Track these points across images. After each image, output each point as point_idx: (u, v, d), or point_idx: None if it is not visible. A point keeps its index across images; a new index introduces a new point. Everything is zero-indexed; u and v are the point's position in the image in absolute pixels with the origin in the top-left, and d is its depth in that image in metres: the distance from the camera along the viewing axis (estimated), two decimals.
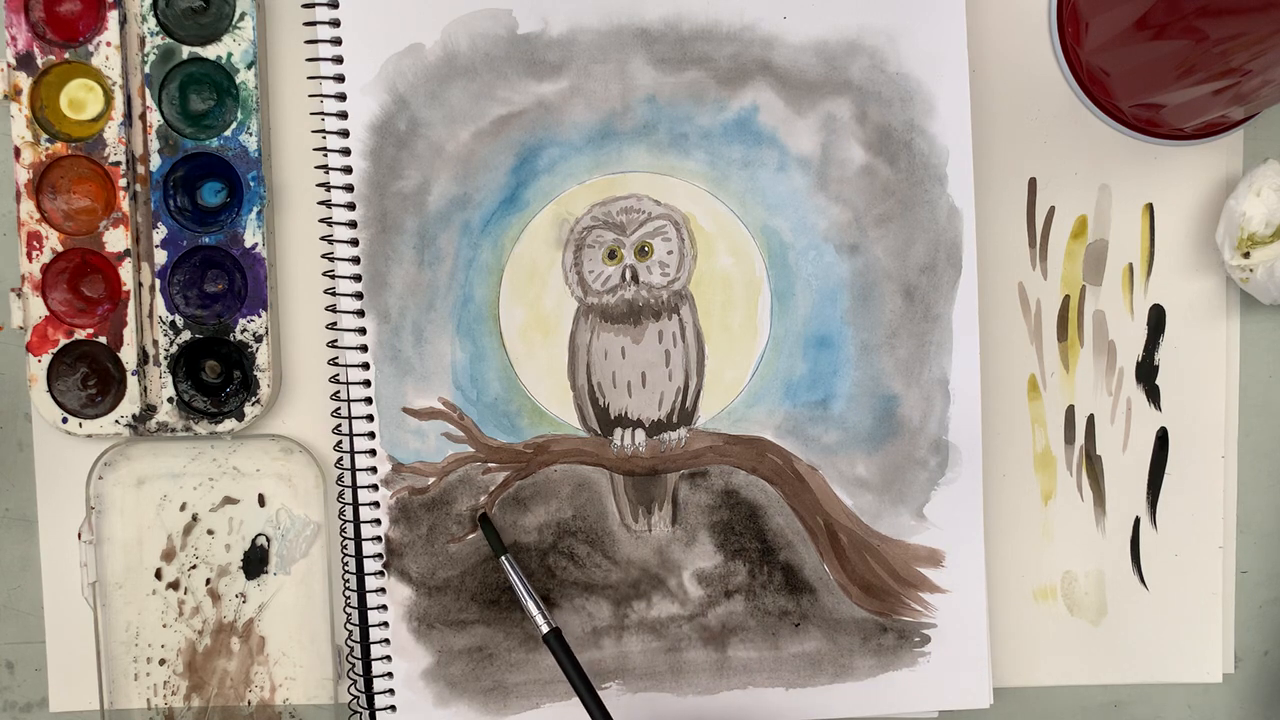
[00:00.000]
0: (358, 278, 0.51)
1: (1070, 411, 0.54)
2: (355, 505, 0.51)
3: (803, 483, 0.52)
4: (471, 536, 0.52)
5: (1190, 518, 0.54)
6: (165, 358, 0.51)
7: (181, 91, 0.51)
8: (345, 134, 0.50)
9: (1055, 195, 0.53)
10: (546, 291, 0.51)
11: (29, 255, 0.51)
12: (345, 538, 0.52)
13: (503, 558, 0.50)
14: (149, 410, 0.52)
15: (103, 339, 0.51)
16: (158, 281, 0.51)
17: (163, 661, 0.54)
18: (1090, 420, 0.54)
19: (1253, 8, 0.41)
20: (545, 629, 0.49)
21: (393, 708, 0.52)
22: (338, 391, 0.51)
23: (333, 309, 0.51)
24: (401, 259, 0.51)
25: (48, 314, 0.51)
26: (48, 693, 0.54)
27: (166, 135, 0.51)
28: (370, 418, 0.51)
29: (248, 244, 0.51)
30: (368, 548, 0.51)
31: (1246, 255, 0.51)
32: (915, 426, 0.52)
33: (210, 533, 0.53)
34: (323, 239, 0.51)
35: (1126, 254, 0.54)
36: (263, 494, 0.53)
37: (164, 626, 0.53)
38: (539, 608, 0.50)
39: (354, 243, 0.50)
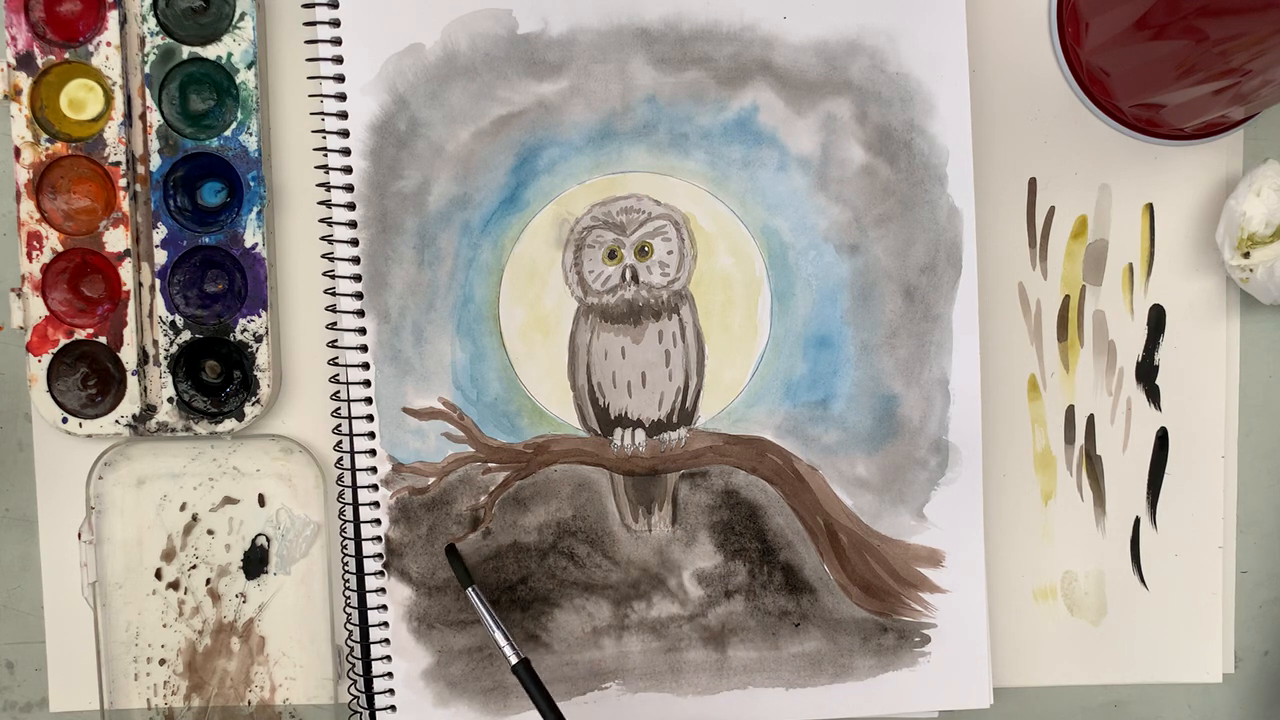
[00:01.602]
0: (358, 278, 0.51)
1: (1070, 411, 0.54)
2: (355, 505, 0.51)
3: (803, 483, 0.52)
4: (471, 536, 0.52)
5: (1190, 518, 0.54)
6: (165, 358, 0.51)
7: (181, 91, 0.51)
8: (345, 134, 0.50)
9: (1055, 195, 0.53)
10: (546, 291, 0.51)
11: (29, 255, 0.51)
12: (345, 538, 0.52)
13: (469, 590, 0.50)
14: (149, 410, 0.52)
15: (103, 339, 0.51)
16: (158, 281, 0.51)
17: (163, 661, 0.54)
18: (1090, 420, 0.54)
19: (1253, 8, 0.41)
20: (514, 660, 0.48)
21: (393, 708, 0.52)
22: (338, 391, 0.51)
23: (333, 309, 0.51)
24: (401, 259, 0.51)
25: (48, 314, 0.51)
26: (48, 693, 0.54)
27: (166, 135, 0.51)
28: (370, 418, 0.51)
29: (248, 244, 0.51)
30: (368, 548, 0.51)
31: (1246, 255, 0.51)
32: (915, 426, 0.52)
33: (210, 533, 0.53)
34: (323, 239, 0.51)
35: (1126, 254, 0.54)
36: (263, 494, 0.53)
37: (164, 626, 0.53)
38: (507, 639, 0.49)
39: (354, 243, 0.50)
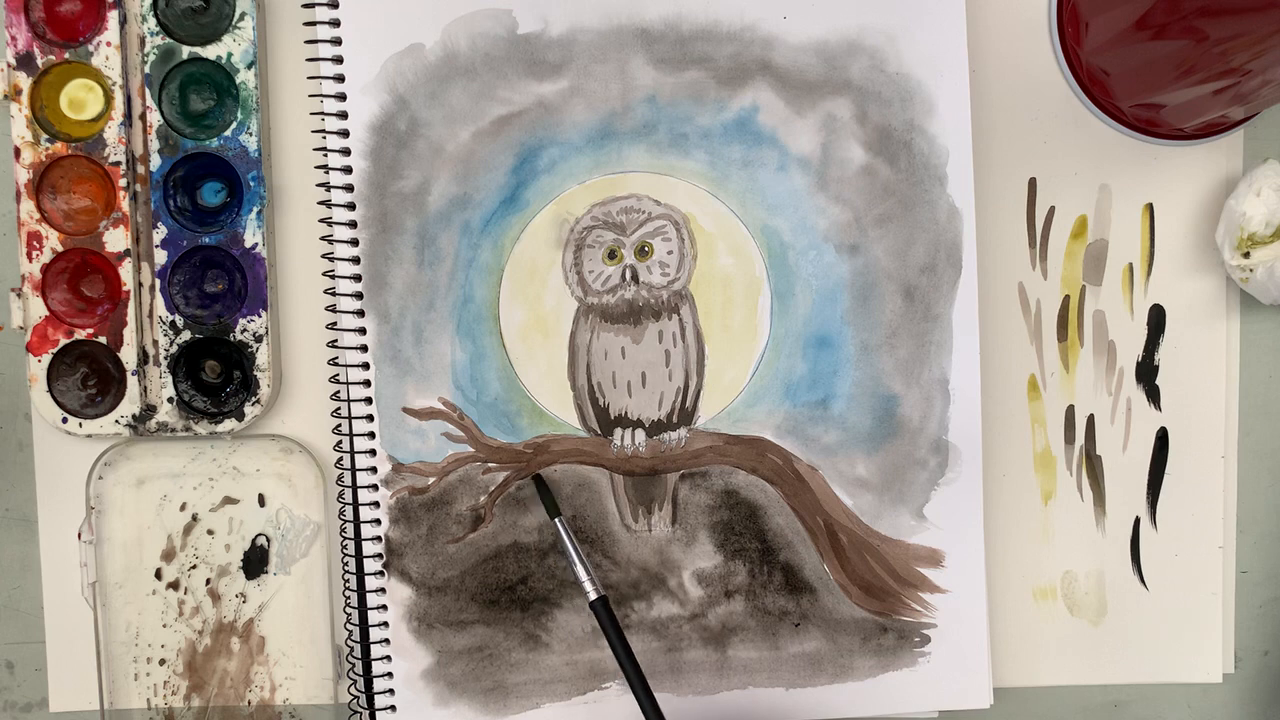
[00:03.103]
0: (358, 278, 0.51)
1: (1070, 411, 0.54)
2: (355, 505, 0.51)
3: (803, 483, 0.52)
4: (471, 536, 0.52)
5: (1190, 518, 0.54)
6: (165, 358, 0.51)
7: (181, 91, 0.51)
8: (345, 134, 0.50)
9: (1055, 195, 0.53)
10: (546, 291, 0.51)
11: (29, 255, 0.51)
12: (345, 538, 0.52)
13: (557, 520, 0.50)
14: (149, 410, 0.52)
15: (103, 339, 0.51)
16: (158, 281, 0.51)
17: (163, 661, 0.54)
18: (1090, 420, 0.54)
19: (1253, 8, 0.41)
20: (593, 595, 0.49)
21: (393, 708, 0.52)
22: (338, 391, 0.51)
23: (333, 309, 0.51)
24: (401, 259, 0.51)
25: (48, 314, 0.51)
26: (48, 693, 0.54)
27: (166, 135, 0.51)
28: (370, 418, 0.51)
29: (248, 244, 0.51)
30: (368, 548, 0.51)
31: (1246, 255, 0.51)
32: (915, 426, 0.52)
33: (210, 533, 0.53)
34: (323, 239, 0.51)
35: (1126, 254, 0.54)
36: (263, 494, 0.53)
37: (164, 626, 0.54)
38: (588, 573, 0.50)
39: (354, 243, 0.50)
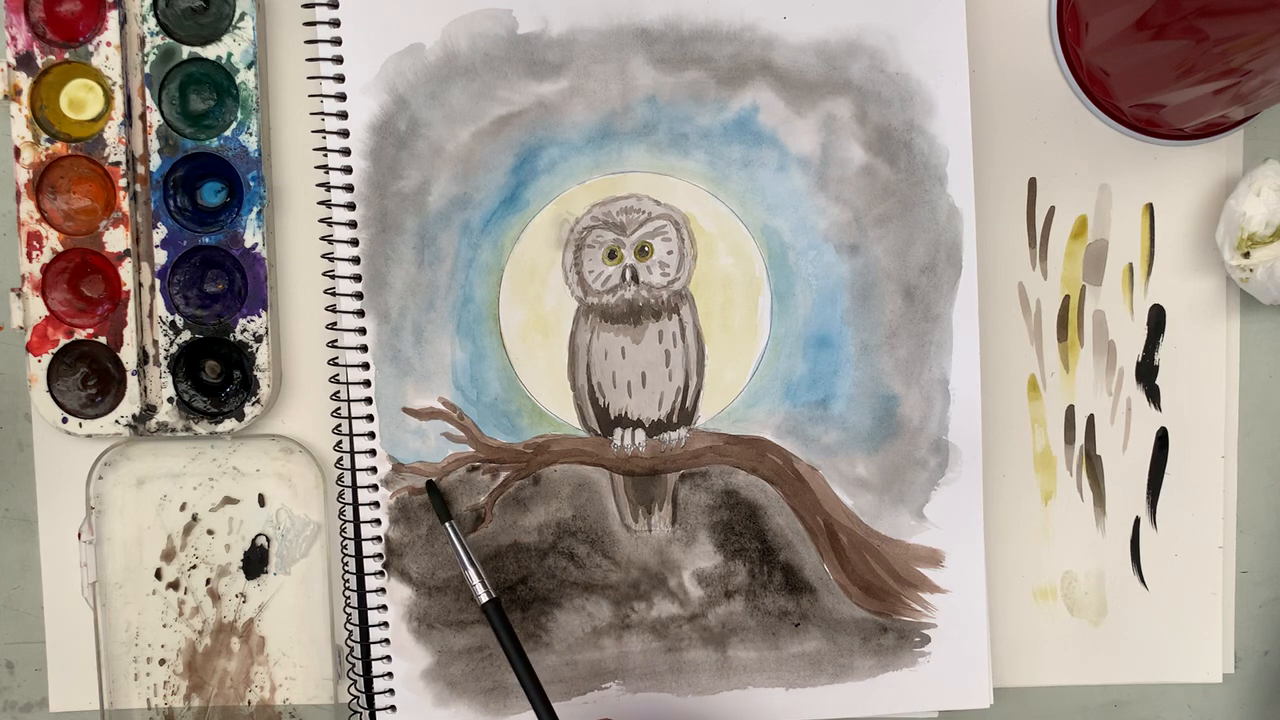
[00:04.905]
0: (358, 278, 0.51)
1: (1070, 411, 0.54)
2: (355, 505, 0.51)
3: (803, 483, 0.52)
4: (472, 536, 0.52)
5: (1190, 518, 0.54)
6: (165, 358, 0.51)
7: (181, 91, 0.51)
8: (345, 134, 0.50)
9: (1055, 195, 0.53)
10: (546, 291, 0.51)
11: (29, 255, 0.51)
12: (345, 538, 0.52)
13: (446, 524, 0.50)
14: (149, 410, 0.52)
15: (103, 339, 0.51)
16: (158, 281, 0.51)
17: (163, 661, 0.54)
18: (1090, 420, 0.54)
19: (1253, 8, 0.41)
20: (484, 599, 0.49)
21: (393, 708, 0.52)
22: (338, 391, 0.51)
23: (333, 309, 0.51)
24: (401, 259, 0.51)
25: (48, 314, 0.51)
26: (48, 693, 0.54)
27: (166, 135, 0.51)
28: (370, 418, 0.51)
29: (248, 244, 0.51)
30: (368, 548, 0.51)
31: (1246, 255, 0.51)
32: (915, 426, 0.52)
33: (210, 533, 0.53)
34: (323, 239, 0.51)
35: (1126, 254, 0.54)
36: (263, 494, 0.53)
37: (164, 626, 0.54)
38: (479, 576, 0.49)
39: (354, 243, 0.50)
